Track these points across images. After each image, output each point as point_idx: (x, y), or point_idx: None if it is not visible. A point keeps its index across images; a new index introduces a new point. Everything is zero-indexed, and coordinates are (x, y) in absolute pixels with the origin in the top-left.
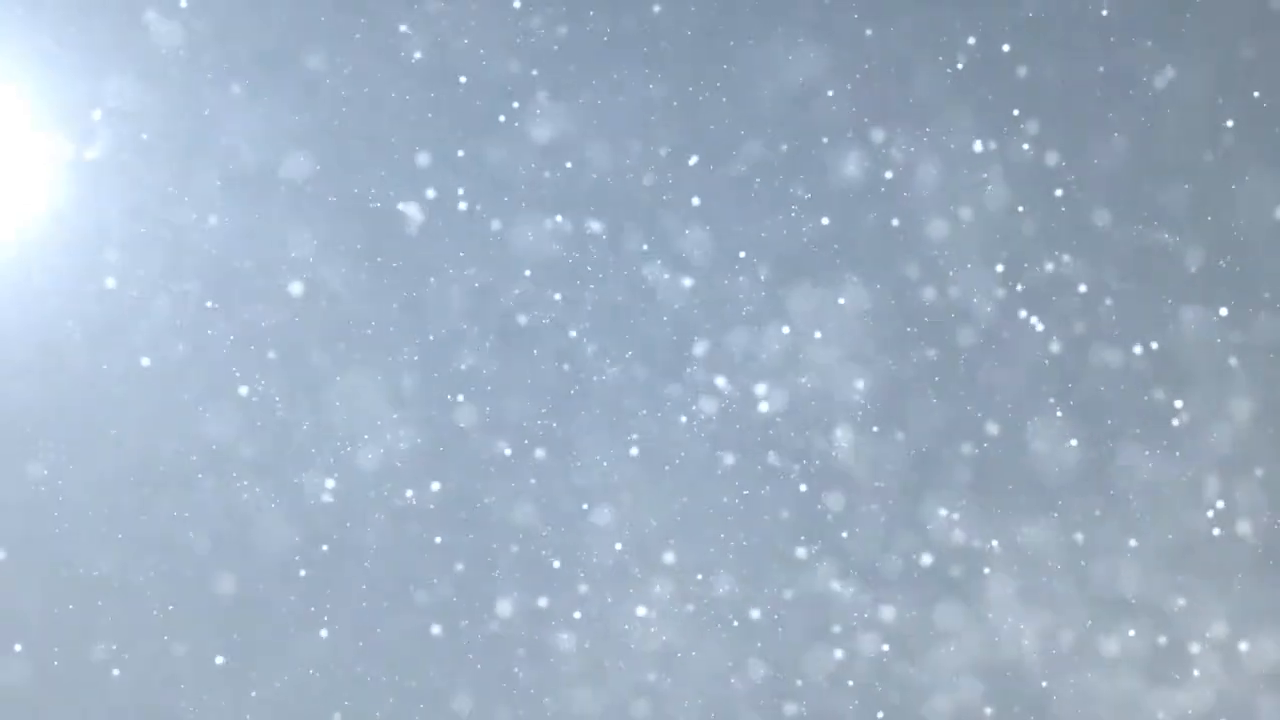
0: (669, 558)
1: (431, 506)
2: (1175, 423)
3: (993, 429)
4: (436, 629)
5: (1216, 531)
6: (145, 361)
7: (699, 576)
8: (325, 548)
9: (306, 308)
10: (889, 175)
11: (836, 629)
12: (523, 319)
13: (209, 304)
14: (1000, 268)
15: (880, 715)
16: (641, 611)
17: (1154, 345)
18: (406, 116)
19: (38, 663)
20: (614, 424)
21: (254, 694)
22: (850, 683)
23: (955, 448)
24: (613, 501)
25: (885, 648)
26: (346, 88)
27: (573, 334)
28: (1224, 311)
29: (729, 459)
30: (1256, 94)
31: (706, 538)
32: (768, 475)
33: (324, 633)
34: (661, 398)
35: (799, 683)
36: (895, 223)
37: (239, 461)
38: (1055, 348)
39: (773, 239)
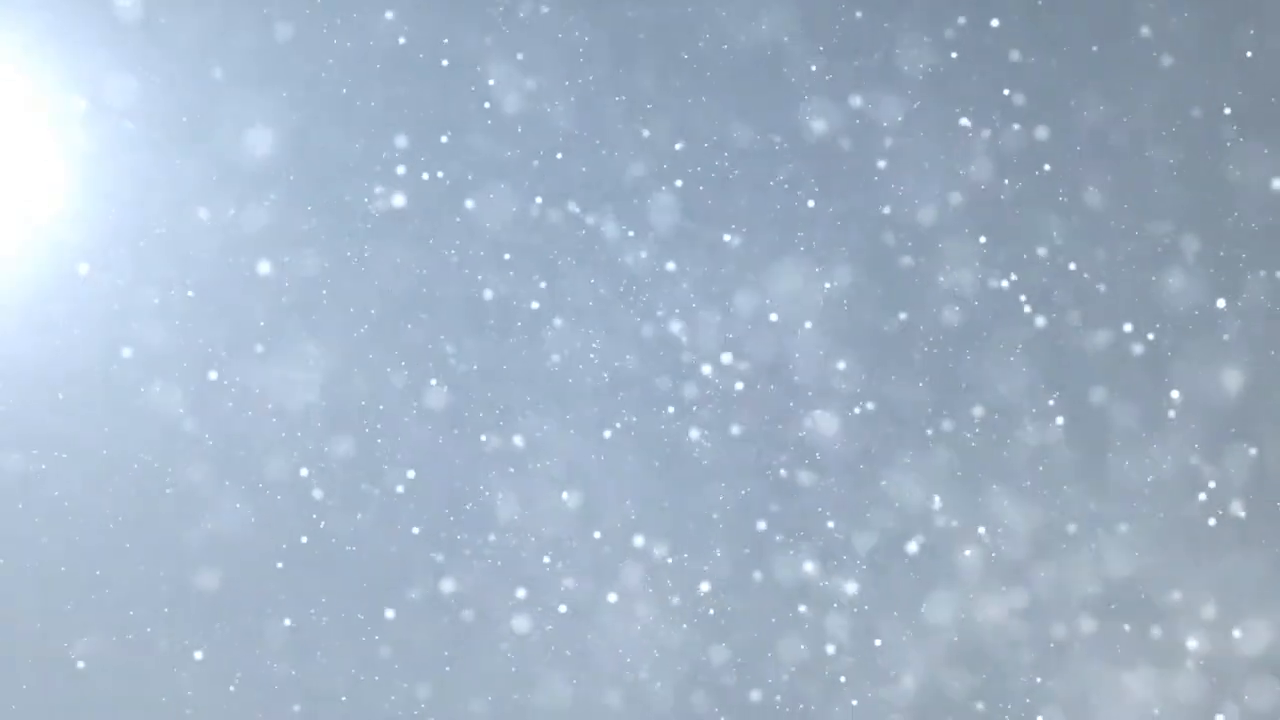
0: (650, 546)
1: (407, 495)
2: (1167, 405)
3: (978, 410)
4: (415, 619)
5: (1212, 521)
6: (126, 352)
7: (668, 560)
8: (304, 539)
9: (288, 297)
10: (877, 158)
11: (813, 613)
12: (502, 304)
13: (190, 294)
14: (988, 247)
15: (854, 703)
16: (614, 598)
17: (1143, 322)
18: (389, 101)
19: (15, 659)
20: (593, 410)
21: (231, 688)
22: (837, 675)
23: (939, 429)
24: (591, 489)
25: (876, 643)
26: (331, 73)
27: (553, 319)
28: (1217, 290)
29: (710, 444)
30: (1250, 54)
31: (687, 525)
32: (750, 460)
33: (303, 625)
34: (645, 383)
35: (784, 676)
36: (881, 201)
37: (217, 453)
38: (1042, 326)
39: (756, 221)
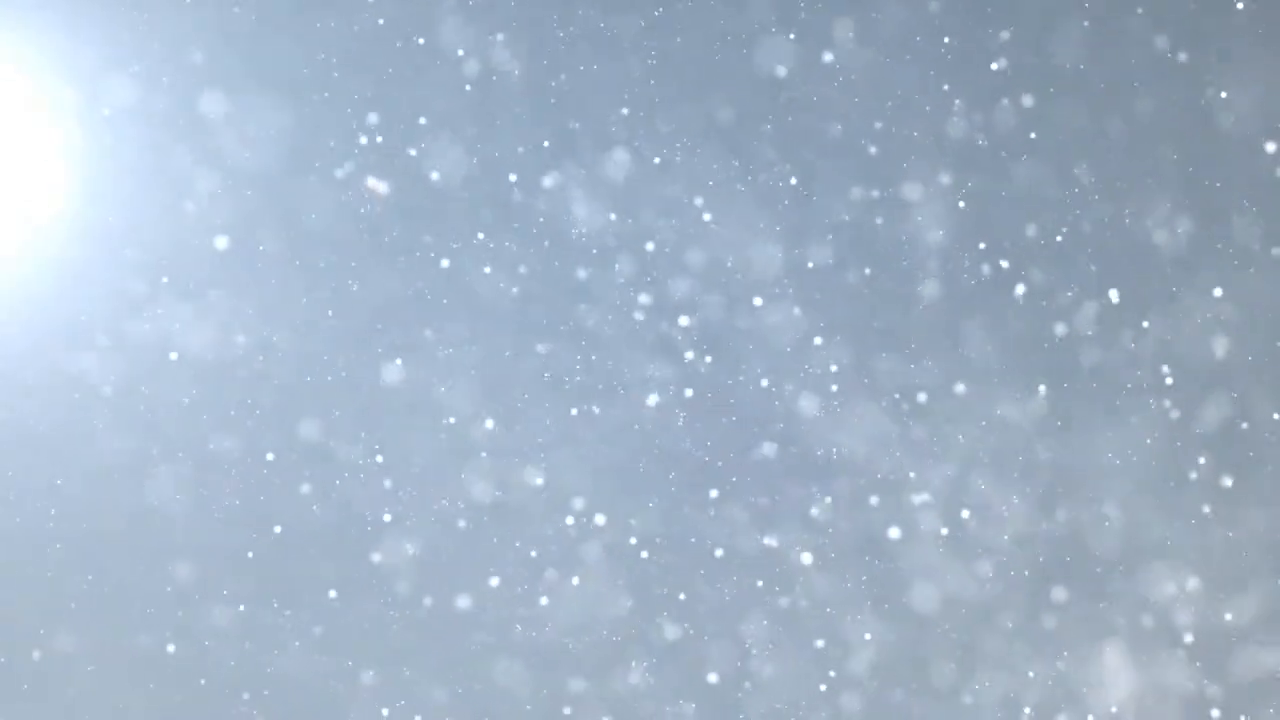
0: (621, 528)
1: (379, 481)
2: (1156, 381)
3: (960, 387)
4: (388, 607)
5: (1207, 509)
6: (103, 340)
7: (632, 540)
8: (278, 529)
9: (270, 287)
10: (861, 137)
11: (801, 604)
12: (482, 287)
13: (164, 279)
14: (973, 220)
15: (823, 689)
16: (576, 581)
17: (1131, 296)
18: (367, 84)
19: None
20: (562, 388)
21: (203, 682)
22: (805, 653)
23: (916, 403)
24: (559, 470)
25: (867, 637)
26: (313, 58)
27: (516, 295)
28: (1209, 265)
29: (680, 421)
30: (1240, 4)
31: (656, 503)
32: (731, 445)
33: (273, 613)
34: (619, 361)
35: (748, 658)
36: (868, 181)
37: (195, 448)
38: (1029, 305)
39: (739, 199)
